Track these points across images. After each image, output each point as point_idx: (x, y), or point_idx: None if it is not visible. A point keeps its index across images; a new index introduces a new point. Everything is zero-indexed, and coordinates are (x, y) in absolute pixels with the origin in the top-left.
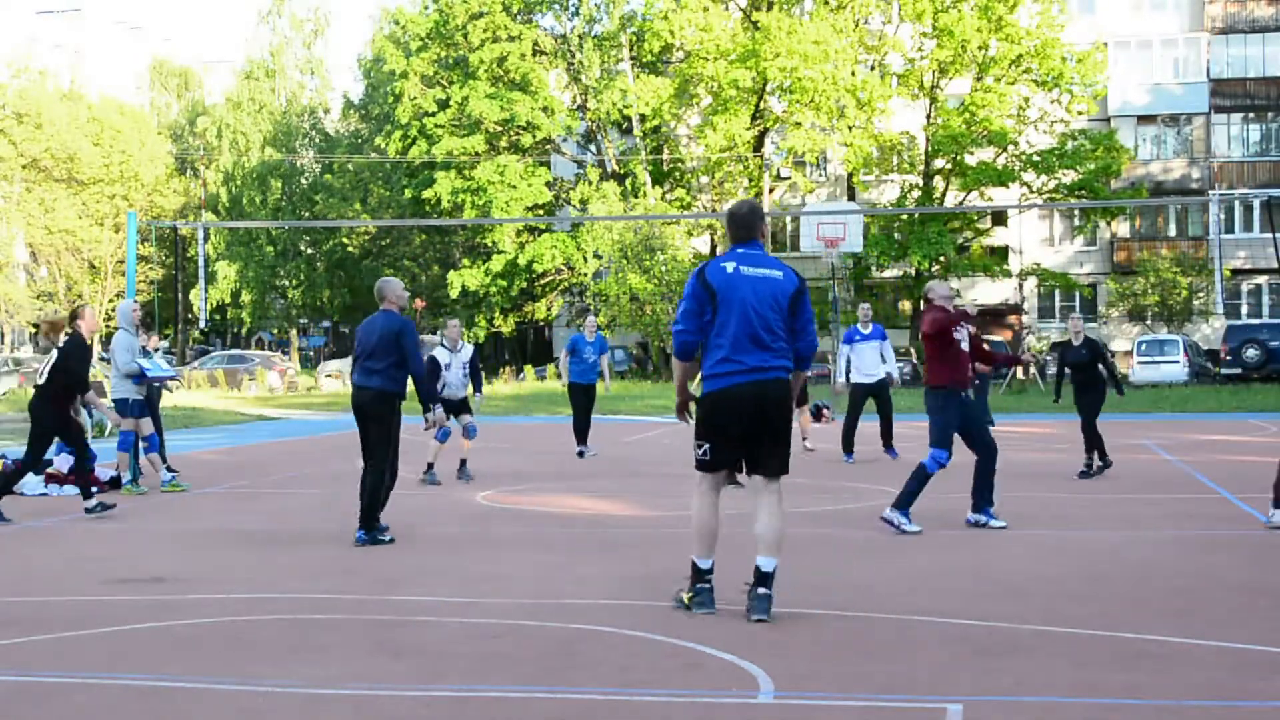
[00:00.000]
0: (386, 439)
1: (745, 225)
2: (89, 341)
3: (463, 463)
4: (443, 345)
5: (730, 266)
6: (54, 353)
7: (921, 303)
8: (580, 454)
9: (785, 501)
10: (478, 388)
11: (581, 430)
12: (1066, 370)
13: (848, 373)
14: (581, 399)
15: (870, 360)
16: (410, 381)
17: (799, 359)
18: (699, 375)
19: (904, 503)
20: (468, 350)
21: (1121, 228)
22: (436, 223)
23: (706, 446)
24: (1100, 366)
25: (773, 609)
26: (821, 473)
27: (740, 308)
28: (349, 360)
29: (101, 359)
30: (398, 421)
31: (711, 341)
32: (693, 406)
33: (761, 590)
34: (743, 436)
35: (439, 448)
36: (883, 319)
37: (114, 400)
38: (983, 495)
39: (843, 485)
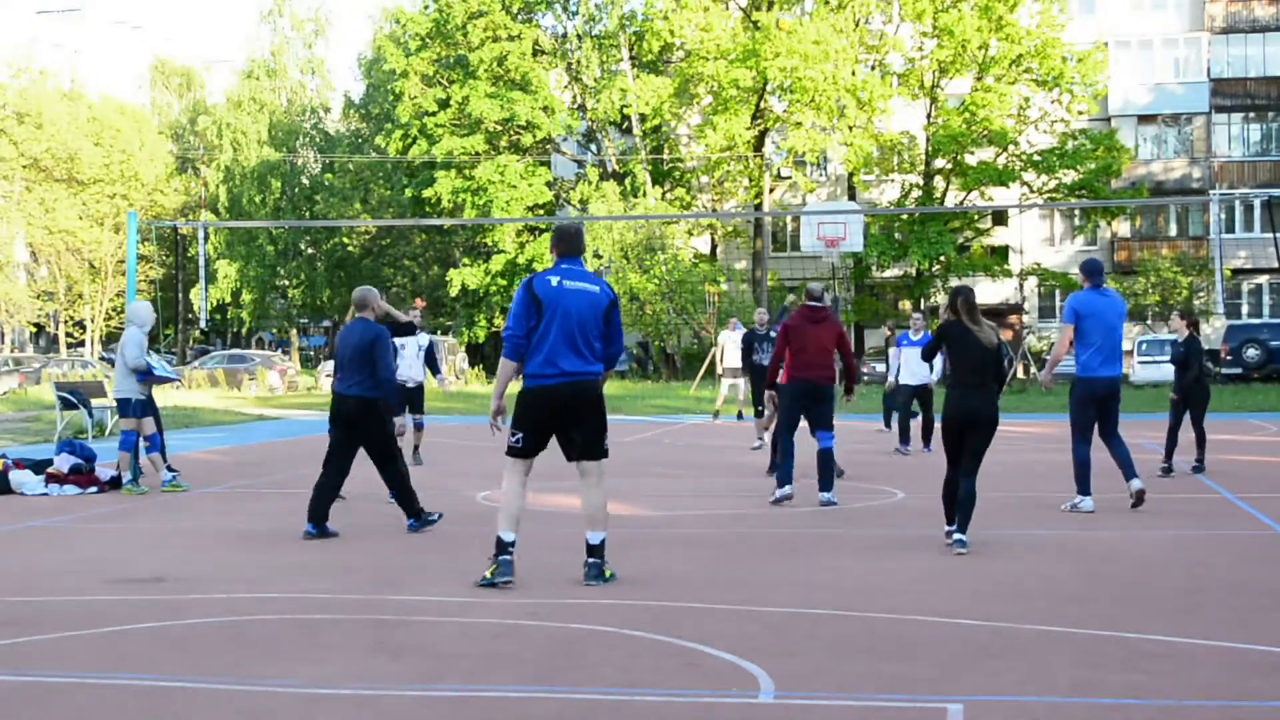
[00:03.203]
0: (382, 437)
1: (570, 241)
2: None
3: (415, 449)
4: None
5: (555, 280)
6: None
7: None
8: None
9: (605, 479)
10: (435, 372)
11: None
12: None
13: (897, 373)
14: None
15: (918, 364)
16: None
17: (607, 361)
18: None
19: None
20: (426, 338)
21: (1122, 227)
22: (437, 222)
23: (520, 435)
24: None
25: (607, 574)
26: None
27: (562, 318)
28: None
29: (102, 359)
30: (385, 424)
31: (533, 345)
32: (500, 419)
33: (591, 560)
34: (554, 430)
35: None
36: (883, 319)
37: (117, 399)
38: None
39: (843, 485)
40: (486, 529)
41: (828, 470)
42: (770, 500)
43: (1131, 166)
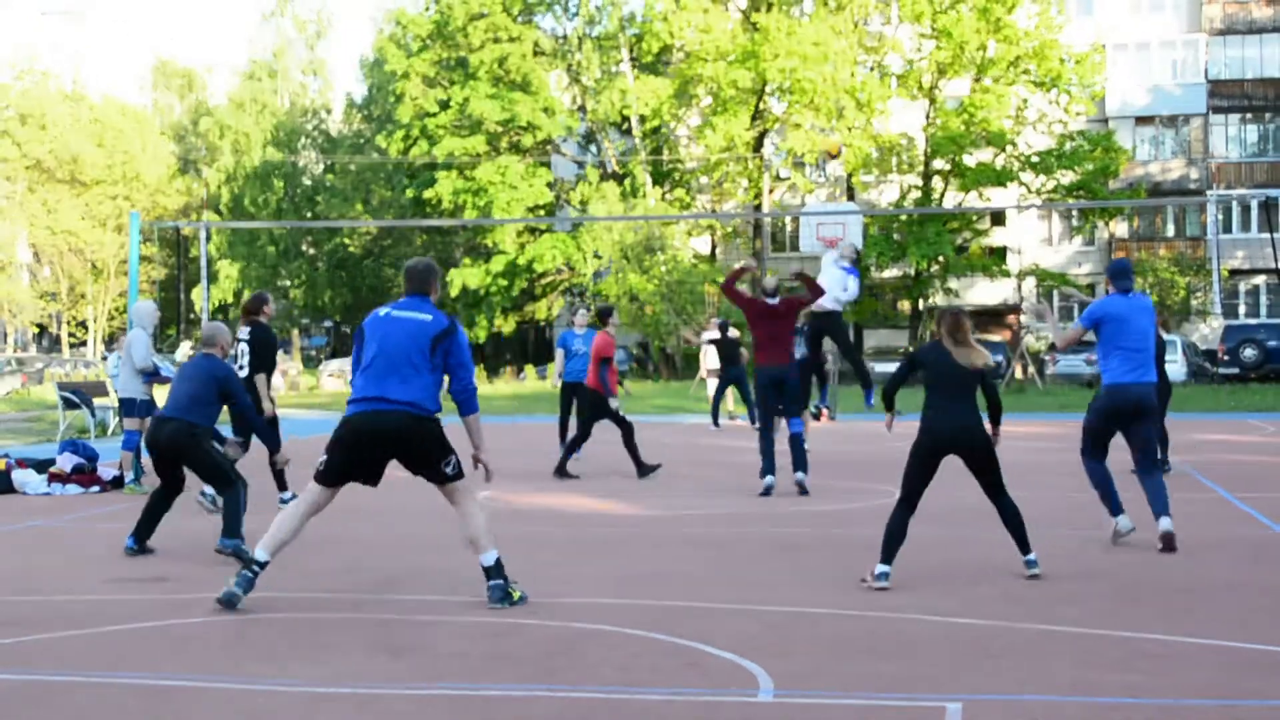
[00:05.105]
0: (210, 461)
1: (417, 279)
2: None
3: None
4: None
5: (384, 311)
6: (243, 344)
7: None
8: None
9: (471, 498)
10: None
11: (565, 428)
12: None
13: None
14: (571, 399)
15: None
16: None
17: (459, 404)
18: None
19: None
20: None
21: (1120, 228)
22: (438, 223)
23: (324, 459)
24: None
25: (515, 595)
26: (821, 473)
27: (379, 344)
28: (349, 360)
29: (104, 358)
30: (206, 443)
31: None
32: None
33: (491, 583)
34: (358, 460)
35: None
36: (882, 319)
37: (121, 399)
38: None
39: (842, 485)
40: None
41: (799, 453)
42: (759, 493)
43: (1129, 167)
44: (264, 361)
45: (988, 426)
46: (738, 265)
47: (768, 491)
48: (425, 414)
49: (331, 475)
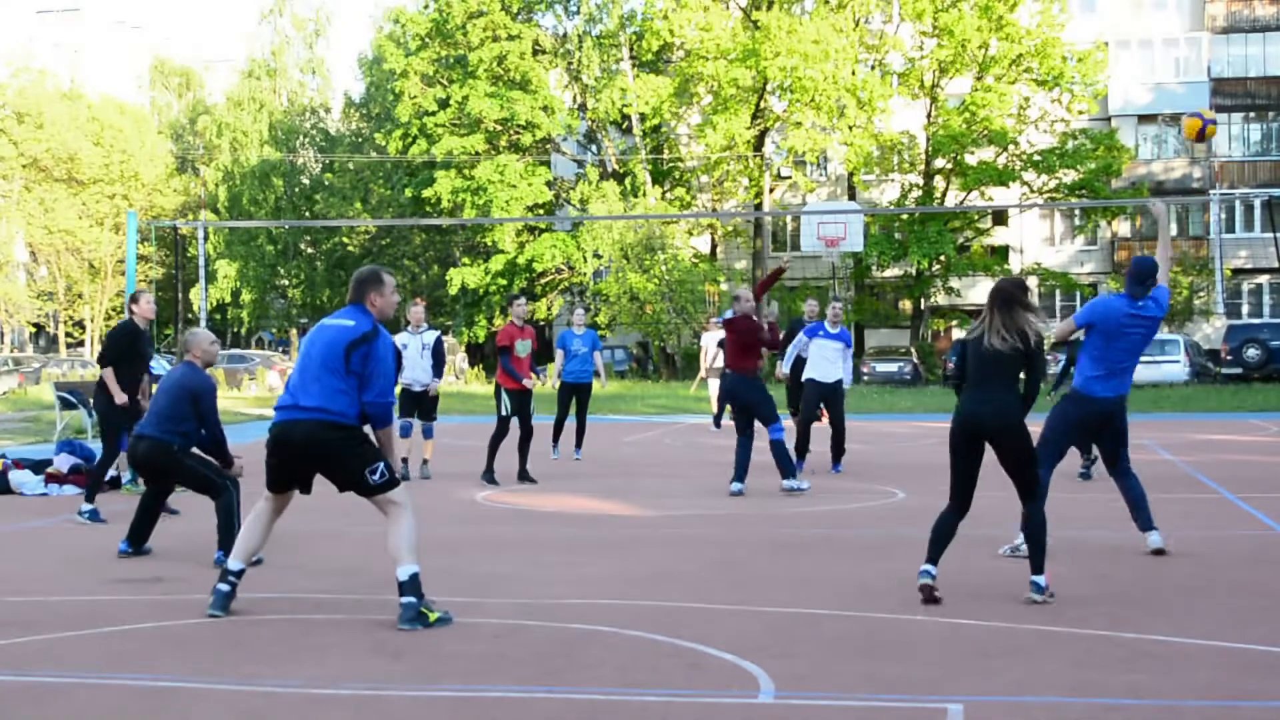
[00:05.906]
0: (193, 473)
1: (354, 289)
2: (142, 326)
3: (424, 461)
4: (405, 329)
5: (323, 321)
6: None
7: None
8: (558, 457)
9: (405, 511)
10: (437, 375)
11: (559, 429)
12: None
13: (794, 365)
14: (570, 398)
15: (829, 362)
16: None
17: (368, 411)
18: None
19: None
20: (431, 335)
21: (1122, 227)
22: (436, 222)
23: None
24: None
25: (431, 616)
26: (821, 473)
27: (304, 350)
28: None
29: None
30: (185, 457)
31: None
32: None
33: (403, 599)
34: (285, 466)
35: (406, 443)
36: (883, 319)
37: None
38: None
39: (842, 485)
40: (486, 530)
41: (782, 460)
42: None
43: (1132, 166)
44: (118, 355)
45: None
46: (775, 268)
47: (737, 493)
48: (338, 420)
49: (271, 484)
